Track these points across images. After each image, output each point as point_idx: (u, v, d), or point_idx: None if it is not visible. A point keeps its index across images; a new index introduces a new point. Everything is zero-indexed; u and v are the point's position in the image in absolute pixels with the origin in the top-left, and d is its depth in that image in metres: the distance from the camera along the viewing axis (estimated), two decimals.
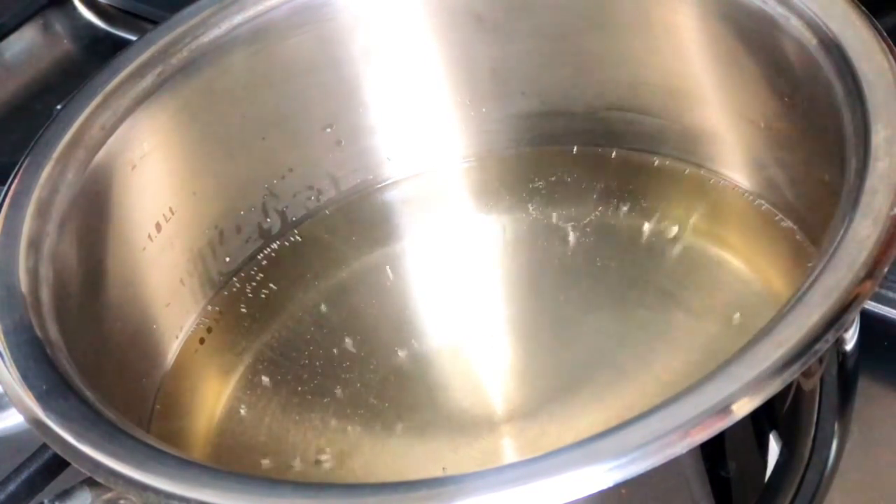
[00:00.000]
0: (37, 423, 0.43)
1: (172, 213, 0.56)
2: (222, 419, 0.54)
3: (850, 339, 0.46)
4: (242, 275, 0.59)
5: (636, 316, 0.54)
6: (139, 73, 0.55)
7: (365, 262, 0.59)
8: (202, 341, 0.57)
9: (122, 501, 0.42)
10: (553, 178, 0.60)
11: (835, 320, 0.38)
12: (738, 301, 0.53)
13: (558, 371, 0.53)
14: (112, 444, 0.41)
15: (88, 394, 0.44)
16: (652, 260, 0.56)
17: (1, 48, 0.80)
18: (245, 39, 0.57)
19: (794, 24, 0.49)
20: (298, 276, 0.59)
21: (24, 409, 0.43)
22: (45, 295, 0.48)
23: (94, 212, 0.53)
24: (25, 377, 0.44)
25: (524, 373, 0.54)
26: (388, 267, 0.59)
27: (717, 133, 0.56)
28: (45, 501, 0.43)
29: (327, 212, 0.61)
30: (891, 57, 0.46)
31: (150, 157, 0.55)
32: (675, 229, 0.56)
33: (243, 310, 0.58)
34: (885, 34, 0.47)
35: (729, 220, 0.56)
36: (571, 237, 0.57)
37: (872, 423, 0.51)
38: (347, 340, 0.56)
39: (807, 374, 0.43)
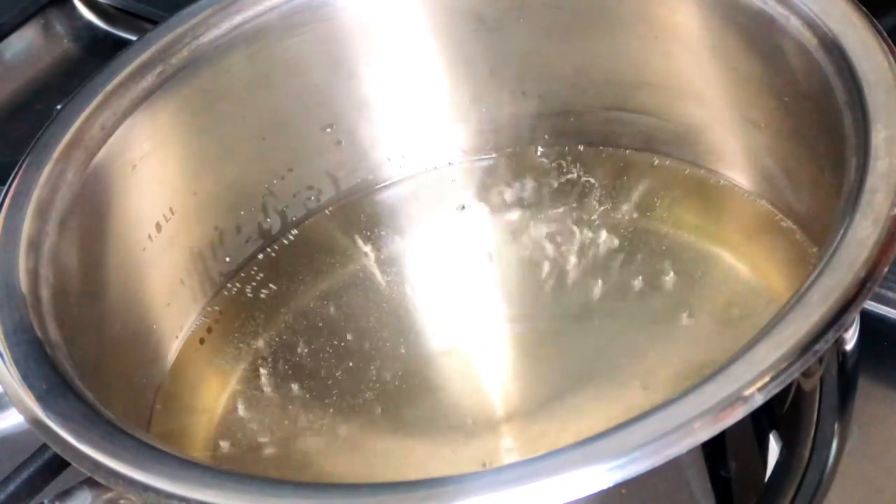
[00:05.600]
0: (37, 423, 0.43)
1: (172, 213, 0.56)
2: (222, 419, 0.54)
3: (850, 339, 0.46)
4: (242, 275, 0.59)
5: (636, 316, 0.54)
6: (139, 73, 0.55)
7: (365, 262, 0.59)
8: (202, 341, 0.57)
9: (122, 501, 0.42)
10: (553, 178, 0.60)
11: (835, 320, 0.38)
12: (738, 301, 0.53)
13: (558, 371, 0.53)
14: (112, 444, 0.41)
15: (88, 394, 0.44)
16: (652, 260, 0.56)
17: (1, 48, 0.79)
18: (245, 39, 0.57)
19: (794, 24, 0.49)
20: (298, 277, 0.59)
21: (24, 410, 0.43)
22: (45, 295, 0.48)
23: (94, 212, 0.53)
24: (25, 377, 0.44)
25: (524, 373, 0.54)
26: (388, 267, 0.59)
27: (717, 133, 0.56)
28: (46, 501, 0.43)
29: (327, 212, 0.61)
30: (891, 57, 0.46)
31: (150, 157, 0.55)
32: (674, 229, 0.56)
33: (243, 310, 0.58)
34: (885, 34, 0.47)
35: (729, 219, 0.56)
36: (571, 237, 0.57)
37: (873, 423, 0.51)
38: (347, 341, 0.56)
39: (807, 374, 0.43)
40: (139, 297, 0.55)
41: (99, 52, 0.79)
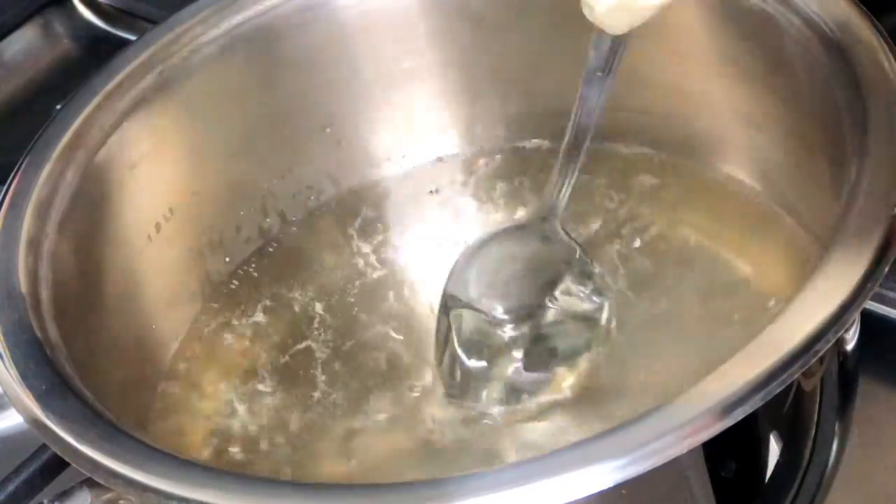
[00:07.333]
0: (36, 424, 0.43)
1: (172, 214, 0.56)
2: (222, 419, 0.54)
3: (851, 339, 0.46)
4: (242, 274, 0.59)
5: (636, 315, 0.54)
6: (139, 73, 0.55)
7: (364, 261, 0.59)
8: (201, 341, 0.57)
9: (121, 502, 0.42)
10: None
11: (835, 320, 0.38)
12: (739, 300, 0.53)
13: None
14: (111, 445, 0.41)
15: (88, 394, 0.44)
16: (652, 259, 0.55)
17: (1, 48, 0.80)
18: (244, 39, 0.57)
19: (795, 24, 0.49)
20: (298, 276, 0.59)
21: (23, 410, 0.43)
22: (45, 295, 0.48)
23: (93, 212, 0.52)
24: (25, 377, 0.44)
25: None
26: (387, 266, 0.59)
27: (717, 131, 0.56)
28: (45, 502, 0.43)
29: (327, 211, 0.61)
30: (891, 57, 0.46)
31: (149, 157, 0.55)
32: (676, 228, 0.56)
33: (243, 309, 0.58)
34: (885, 34, 0.47)
35: (730, 218, 0.56)
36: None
37: (873, 423, 0.51)
38: (347, 340, 0.56)
39: (807, 374, 0.43)
40: (138, 296, 0.55)
41: (98, 52, 0.79)
